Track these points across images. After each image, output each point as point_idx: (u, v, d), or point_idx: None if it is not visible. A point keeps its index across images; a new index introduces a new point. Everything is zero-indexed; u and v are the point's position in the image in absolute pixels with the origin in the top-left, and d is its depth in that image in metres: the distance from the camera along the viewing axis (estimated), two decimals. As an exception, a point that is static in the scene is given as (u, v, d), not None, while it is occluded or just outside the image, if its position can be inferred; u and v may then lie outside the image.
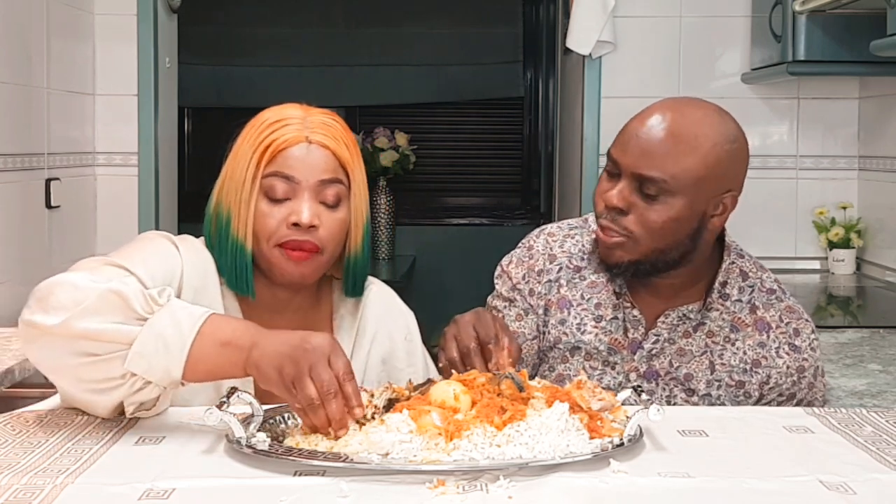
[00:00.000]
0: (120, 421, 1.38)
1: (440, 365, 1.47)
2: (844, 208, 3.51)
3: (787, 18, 3.08)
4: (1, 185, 2.77)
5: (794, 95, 3.56)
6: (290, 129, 1.54)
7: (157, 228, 3.46)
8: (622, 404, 1.35)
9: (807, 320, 1.71)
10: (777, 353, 1.67)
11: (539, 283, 1.75)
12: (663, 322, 1.68)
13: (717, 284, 1.68)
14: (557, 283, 1.74)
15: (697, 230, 1.60)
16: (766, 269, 1.76)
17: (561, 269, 1.75)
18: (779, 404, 1.67)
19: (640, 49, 3.55)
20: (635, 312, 1.69)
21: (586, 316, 1.71)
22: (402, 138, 5.27)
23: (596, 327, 1.70)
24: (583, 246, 1.76)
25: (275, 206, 1.53)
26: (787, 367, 1.67)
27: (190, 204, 4.17)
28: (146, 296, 1.31)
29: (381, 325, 1.69)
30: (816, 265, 3.56)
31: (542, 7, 5.45)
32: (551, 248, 1.77)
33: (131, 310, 1.29)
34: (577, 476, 1.16)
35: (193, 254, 1.57)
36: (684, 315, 1.68)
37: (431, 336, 3.42)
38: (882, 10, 2.47)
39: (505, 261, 1.80)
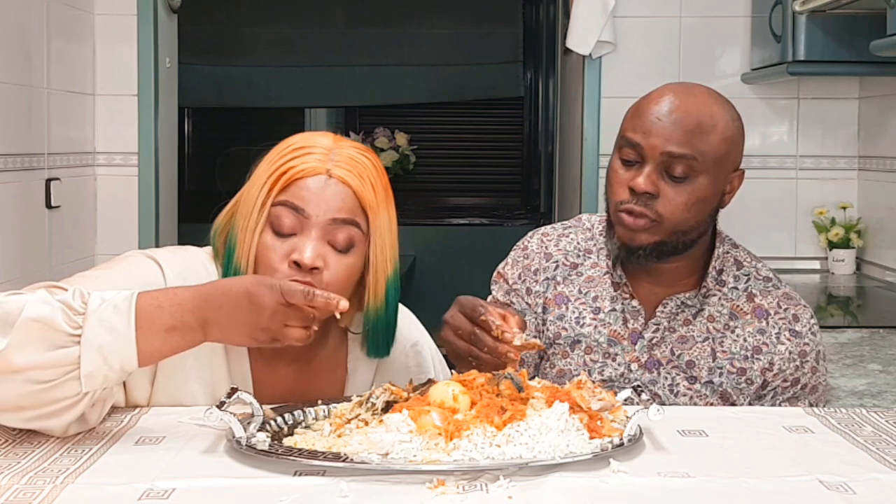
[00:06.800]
0: (120, 421, 1.38)
1: (455, 371, 1.43)
2: (844, 208, 3.51)
3: (787, 18, 3.07)
4: (1, 185, 2.77)
5: (793, 95, 3.56)
6: (311, 159, 1.44)
7: (156, 228, 3.48)
8: (622, 404, 1.35)
9: (805, 306, 1.73)
10: (778, 339, 1.68)
11: (536, 281, 1.76)
12: (662, 311, 1.69)
13: (713, 271, 1.70)
14: (554, 281, 1.76)
15: (717, 209, 1.66)
16: (760, 258, 1.78)
17: (557, 266, 1.77)
18: (783, 390, 1.68)
19: (640, 49, 3.55)
20: (634, 303, 1.70)
21: (584, 309, 1.73)
22: (402, 138, 5.28)
23: (595, 319, 1.71)
24: (578, 244, 1.78)
25: (278, 239, 1.42)
26: (790, 353, 1.68)
27: (190, 204, 4.18)
28: (64, 311, 1.24)
29: (400, 367, 1.60)
30: (816, 265, 3.56)
31: (542, 7, 5.45)
32: (546, 248, 1.79)
33: (59, 332, 1.23)
34: (576, 476, 1.16)
35: (183, 270, 1.48)
36: (683, 303, 1.69)
37: (433, 336, 3.42)
38: (882, 10, 2.47)
39: (500, 265, 1.81)
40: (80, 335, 1.23)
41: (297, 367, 1.54)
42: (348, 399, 1.39)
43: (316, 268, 1.40)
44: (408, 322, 1.66)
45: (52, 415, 1.25)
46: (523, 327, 1.39)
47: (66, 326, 1.23)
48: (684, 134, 1.59)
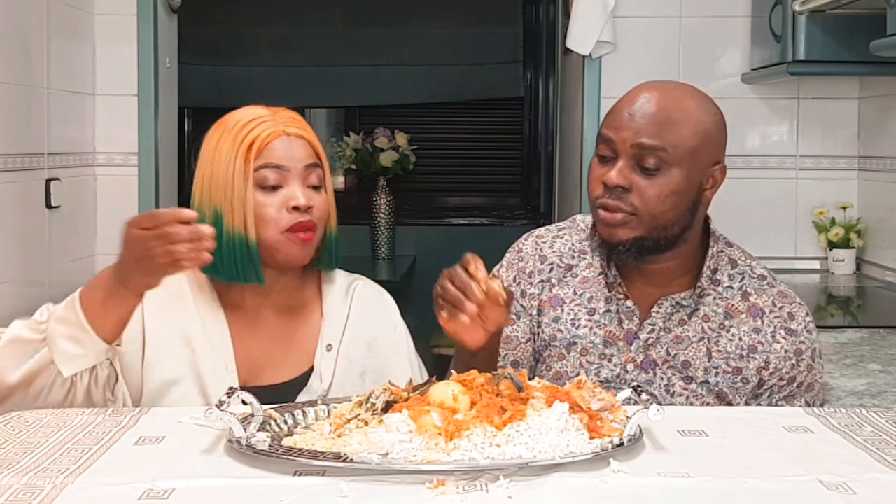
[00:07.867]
0: (120, 421, 1.38)
1: (442, 313, 1.53)
2: (844, 208, 3.51)
3: (787, 18, 3.07)
4: (1, 185, 2.77)
5: (793, 95, 3.56)
6: (267, 126, 1.67)
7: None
8: (622, 404, 1.35)
9: (800, 304, 1.73)
10: (773, 337, 1.69)
11: (531, 284, 1.77)
12: (657, 311, 1.69)
13: (707, 270, 1.70)
14: (549, 283, 1.76)
15: (695, 203, 1.65)
16: (754, 257, 1.78)
17: (552, 268, 1.77)
18: (780, 388, 1.68)
19: (640, 49, 3.55)
20: (629, 303, 1.70)
21: (580, 311, 1.73)
22: (402, 138, 5.27)
23: (590, 321, 1.72)
24: (572, 245, 1.78)
25: (269, 195, 1.66)
26: (785, 351, 1.68)
27: (189, 204, 4.18)
28: (29, 325, 1.53)
29: (368, 314, 1.79)
30: (816, 265, 3.56)
31: (542, 7, 5.45)
32: (541, 250, 1.79)
33: (30, 343, 1.51)
34: (576, 476, 1.16)
35: None
36: (678, 303, 1.69)
37: (432, 336, 3.41)
38: (882, 10, 2.47)
39: (495, 268, 1.82)
40: (44, 337, 1.51)
41: (277, 311, 1.74)
42: (348, 399, 1.39)
43: (311, 206, 1.67)
44: (384, 295, 1.86)
45: (61, 402, 1.53)
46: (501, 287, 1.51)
47: (33, 335, 1.51)
48: (655, 126, 1.61)
